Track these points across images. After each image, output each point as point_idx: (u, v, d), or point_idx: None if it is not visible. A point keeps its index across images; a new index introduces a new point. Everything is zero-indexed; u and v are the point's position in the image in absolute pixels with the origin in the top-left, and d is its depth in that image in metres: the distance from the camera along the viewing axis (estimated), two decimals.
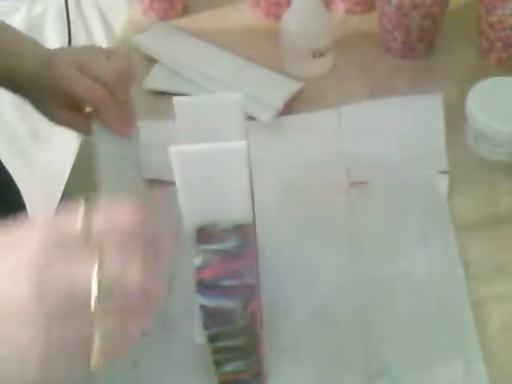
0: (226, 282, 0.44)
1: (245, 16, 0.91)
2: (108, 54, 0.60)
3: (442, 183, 0.65)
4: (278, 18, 0.85)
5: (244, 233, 0.46)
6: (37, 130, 1.55)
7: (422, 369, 0.53)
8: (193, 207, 0.46)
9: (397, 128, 0.71)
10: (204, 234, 0.46)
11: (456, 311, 0.56)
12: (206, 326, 0.45)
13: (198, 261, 0.45)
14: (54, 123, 0.63)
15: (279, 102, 0.74)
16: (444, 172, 0.66)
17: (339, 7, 0.89)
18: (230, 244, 0.45)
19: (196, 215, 0.47)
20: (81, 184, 0.71)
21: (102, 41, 1.43)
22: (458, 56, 0.81)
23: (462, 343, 0.53)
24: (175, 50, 0.84)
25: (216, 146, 0.44)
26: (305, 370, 0.53)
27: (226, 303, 0.44)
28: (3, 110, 1.52)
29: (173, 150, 0.44)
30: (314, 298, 0.57)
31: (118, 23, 1.28)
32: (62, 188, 0.71)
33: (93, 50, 0.62)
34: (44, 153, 1.57)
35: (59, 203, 0.69)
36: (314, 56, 0.79)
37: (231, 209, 0.46)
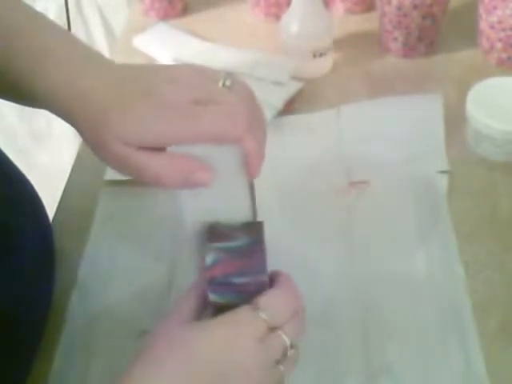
0: (238, 280, 0.44)
1: (245, 16, 0.91)
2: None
3: (442, 183, 0.65)
4: (277, 17, 0.85)
5: (253, 231, 0.46)
6: (37, 129, 1.55)
7: (422, 369, 0.52)
8: (193, 207, 0.46)
9: (397, 128, 0.71)
10: (214, 233, 0.46)
11: (456, 311, 0.56)
12: None
13: (208, 259, 0.45)
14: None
15: (279, 102, 0.74)
16: (444, 172, 0.66)
17: (339, 7, 0.89)
18: (240, 242, 0.46)
19: (196, 215, 0.47)
20: (81, 184, 0.71)
21: (101, 41, 1.43)
22: (458, 56, 0.81)
23: (462, 343, 0.53)
24: (175, 50, 0.84)
25: (211, 147, 0.44)
26: (304, 369, 0.52)
27: (238, 300, 0.45)
28: (3, 110, 1.52)
29: (170, 151, 0.44)
30: (313, 298, 0.57)
31: (118, 23, 1.28)
32: (62, 188, 0.71)
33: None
34: (44, 153, 1.57)
35: (59, 203, 0.69)
36: (314, 56, 0.79)
37: (230, 209, 0.46)
